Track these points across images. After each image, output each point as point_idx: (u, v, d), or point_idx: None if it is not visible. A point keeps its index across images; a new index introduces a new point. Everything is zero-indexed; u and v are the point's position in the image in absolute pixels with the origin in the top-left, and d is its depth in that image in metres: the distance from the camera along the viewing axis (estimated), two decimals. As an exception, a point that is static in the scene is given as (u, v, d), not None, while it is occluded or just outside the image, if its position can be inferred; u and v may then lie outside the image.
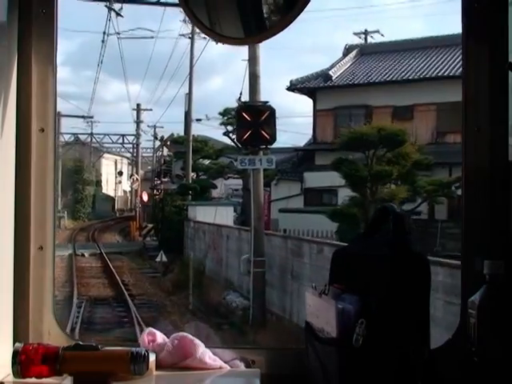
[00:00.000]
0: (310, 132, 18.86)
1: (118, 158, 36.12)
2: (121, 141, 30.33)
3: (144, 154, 31.38)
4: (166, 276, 13.59)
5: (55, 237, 1.26)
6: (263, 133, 9.39)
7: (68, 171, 28.73)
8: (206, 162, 19.94)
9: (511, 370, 0.96)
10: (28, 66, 1.20)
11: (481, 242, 1.12)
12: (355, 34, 19.77)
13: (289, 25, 1.08)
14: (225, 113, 17.53)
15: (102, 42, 18.01)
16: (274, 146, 12.56)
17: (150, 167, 28.22)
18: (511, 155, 1.11)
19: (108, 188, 35.23)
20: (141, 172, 30.82)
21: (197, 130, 19.78)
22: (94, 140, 30.66)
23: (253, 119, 9.40)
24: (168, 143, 21.03)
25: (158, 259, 13.62)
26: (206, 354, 1.15)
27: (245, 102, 10.46)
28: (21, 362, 1.03)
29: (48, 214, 1.23)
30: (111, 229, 26.25)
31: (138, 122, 28.72)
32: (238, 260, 11.30)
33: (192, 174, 18.63)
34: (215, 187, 19.50)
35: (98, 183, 32.36)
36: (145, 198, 22.53)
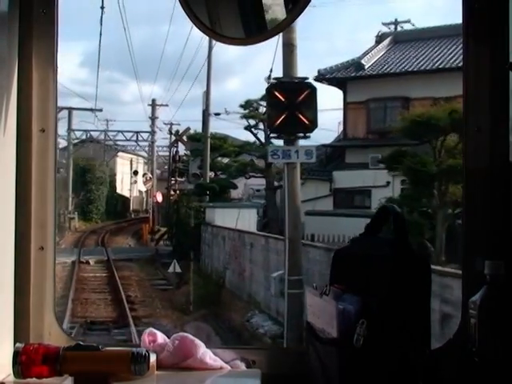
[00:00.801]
0: (338, 128, 18.75)
1: (134, 157, 35.35)
2: (135, 138, 30.30)
3: (160, 153, 31.29)
4: (180, 289, 12.71)
5: (55, 238, 1.34)
6: (301, 117, 7.84)
7: (80, 170, 27.97)
8: (225, 160, 19.47)
9: None
10: (28, 66, 1.29)
11: (481, 242, 1.20)
12: (384, 24, 19.05)
13: (290, 25, 1.17)
14: (246, 105, 17.00)
15: (102, 8, 18.15)
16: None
17: (166, 167, 27.62)
18: None
19: (123, 188, 34.99)
20: (157, 172, 30.52)
21: (215, 128, 19.78)
22: (107, 138, 30.55)
23: (288, 100, 7.89)
24: (183, 138, 20.66)
25: (170, 270, 12.76)
26: (206, 354, 1.23)
27: (278, 78, 8.84)
28: (21, 363, 1.11)
29: (49, 215, 1.31)
30: (124, 231, 25.87)
31: (153, 118, 28.32)
32: (264, 273, 10.41)
33: (210, 174, 18.21)
34: (235, 187, 18.86)
35: (112, 183, 32.70)
36: (159, 198, 22.21)
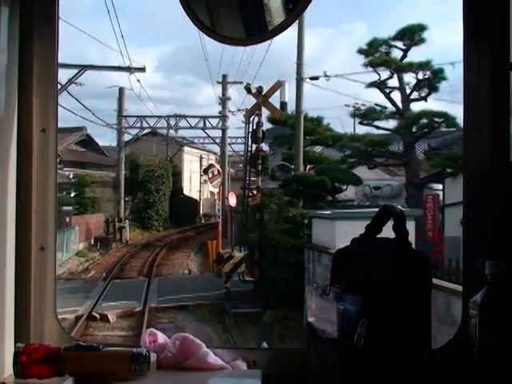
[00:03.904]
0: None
1: (204, 152, 33.38)
2: (201, 126, 26.42)
3: (235, 148, 27.69)
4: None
5: (56, 238, 1.56)
6: None
7: (136, 168, 26.77)
8: (319, 149, 16.57)
9: None
10: (29, 65, 1.50)
11: (482, 242, 1.42)
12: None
13: (290, 25, 1.38)
14: (371, 48, 13.88)
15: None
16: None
17: (241, 165, 23.68)
18: None
19: (192, 189, 33.01)
20: (232, 171, 28.79)
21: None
22: (167, 126, 27.53)
23: None
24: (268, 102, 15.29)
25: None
26: (207, 354, 1.43)
27: None
28: (22, 363, 1.30)
29: (49, 215, 1.53)
30: (188, 243, 23.18)
31: (224, 99, 25.26)
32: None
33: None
34: (359, 182, 15.14)
35: (177, 183, 30.76)
36: (232, 201, 17.72)
